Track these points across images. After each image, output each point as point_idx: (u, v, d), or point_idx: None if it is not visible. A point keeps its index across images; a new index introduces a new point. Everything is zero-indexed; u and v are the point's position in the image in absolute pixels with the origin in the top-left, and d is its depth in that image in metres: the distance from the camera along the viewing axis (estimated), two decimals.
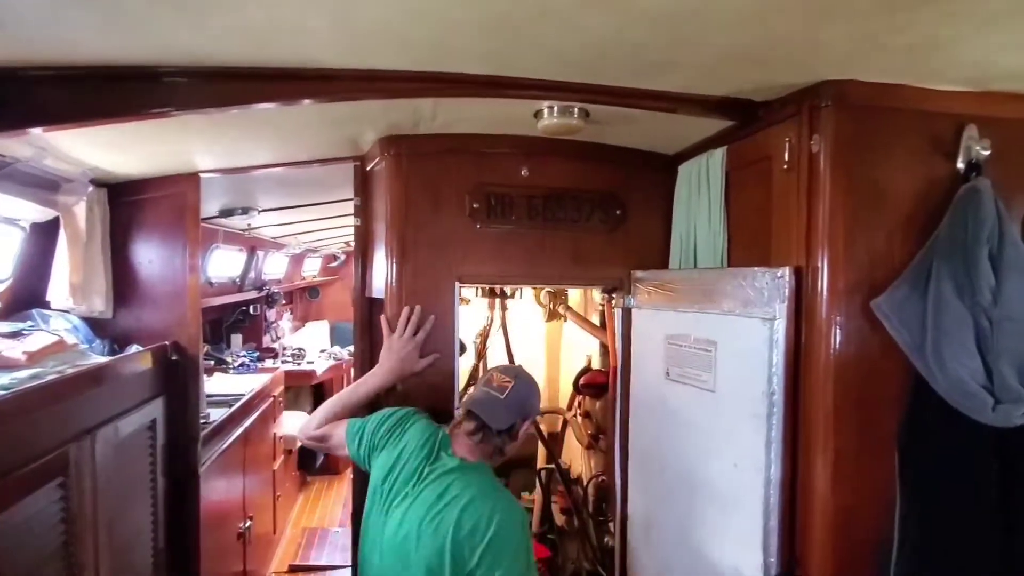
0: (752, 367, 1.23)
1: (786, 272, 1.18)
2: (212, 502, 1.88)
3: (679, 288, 1.48)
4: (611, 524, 2.07)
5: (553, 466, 2.19)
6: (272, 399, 2.79)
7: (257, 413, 2.50)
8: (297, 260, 4.94)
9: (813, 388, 1.16)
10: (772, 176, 1.29)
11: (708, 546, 1.35)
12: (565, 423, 2.68)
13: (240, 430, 2.23)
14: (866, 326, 1.13)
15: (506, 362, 2.70)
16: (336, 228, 3.59)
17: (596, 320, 2.21)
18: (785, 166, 1.23)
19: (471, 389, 1.82)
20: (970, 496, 1.05)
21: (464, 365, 2.22)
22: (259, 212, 2.53)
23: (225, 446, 2.05)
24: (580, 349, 2.59)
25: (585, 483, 2.15)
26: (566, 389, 2.73)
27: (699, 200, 1.53)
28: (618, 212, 1.67)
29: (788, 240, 1.23)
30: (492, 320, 2.34)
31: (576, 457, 2.59)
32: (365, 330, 1.76)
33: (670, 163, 1.67)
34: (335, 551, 3.02)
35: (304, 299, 6.13)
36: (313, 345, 4.71)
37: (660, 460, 1.53)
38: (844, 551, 1.15)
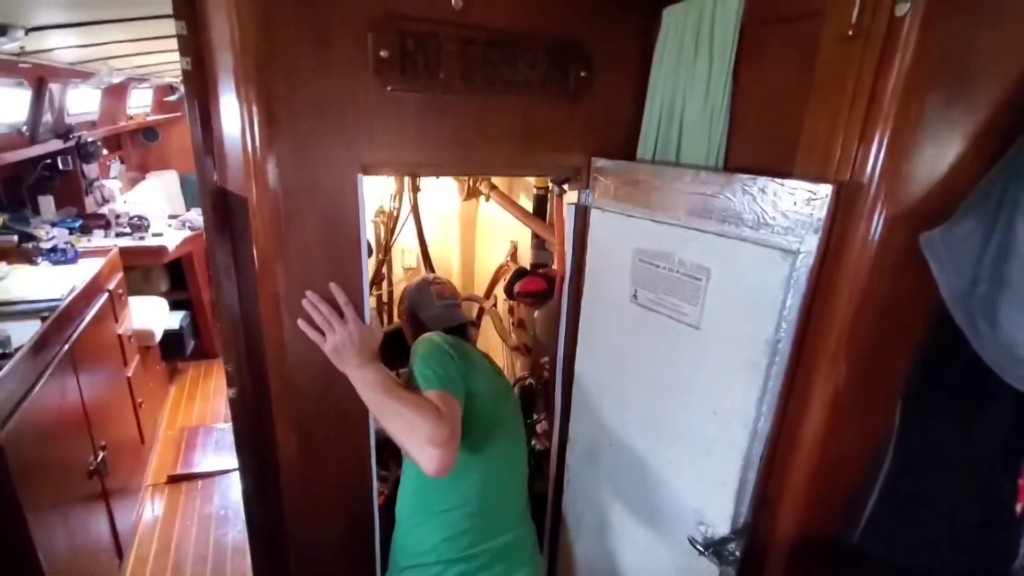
0: (758, 308, 0.98)
1: (826, 192, 0.87)
2: (36, 458, 1.42)
3: (659, 189, 1.14)
4: (537, 427, 1.95)
5: None
6: (108, 295, 2.15)
7: (87, 320, 1.90)
8: (116, 93, 3.73)
9: (825, 336, 0.95)
10: (821, 43, 0.92)
11: (669, 486, 1.22)
12: (481, 311, 2.43)
13: (62, 350, 1.66)
14: (908, 264, 0.89)
15: (414, 246, 2.29)
16: (165, 53, 2.63)
17: (527, 205, 1.83)
18: (850, 32, 0.86)
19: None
20: (973, 459, 0.96)
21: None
22: (26, 32, 1.65)
23: (41, 382, 1.51)
24: (502, 232, 2.24)
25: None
26: (483, 274, 2.43)
27: (693, 64, 1.13)
28: (583, 74, 1.22)
29: (830, 141, 0.91)
30: (400, 204, 1.88)
31: (495, 352, 2.39)
32: (221, 237, 1.24)
33: (654, 1, 1.20)
34: (222, 451, 2.68)
35: (139, 144, 4.88)
36: (158, 208, 3.80)
37: (619, 394, 1.32)
38: (817, 501, 1.05)
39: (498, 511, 1.24)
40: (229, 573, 2.01)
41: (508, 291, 1.65)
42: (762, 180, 0.95)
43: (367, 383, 1.07)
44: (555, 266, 1.80)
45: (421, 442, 0.98)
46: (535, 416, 1.97)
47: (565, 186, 1.37)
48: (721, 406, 1.07)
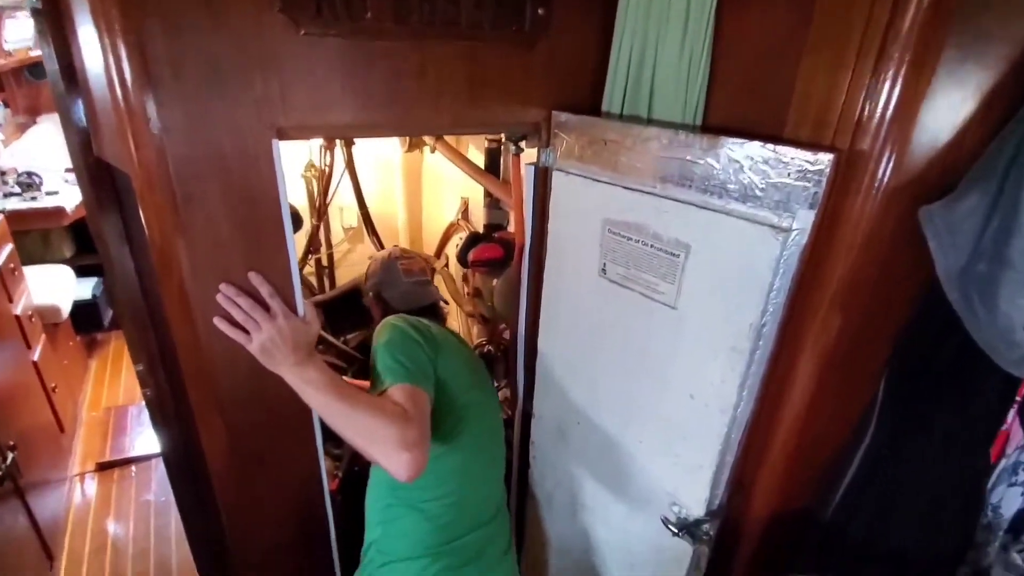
0: (743, 290, 0.89)
1: (826, 161, 0.77)
2: None
3: (630, 151, 1.00)
4: (499, 392, 1.87)
5: None
6: None
7: None
8: None
9: (812, 319, 0.87)
10: None
11: (642, 468, 1.16)
12: (432, 273, 2.27)
13: None
14: (902, 240, 0.81)
15: (354, 204, 2.07)
16: None
17: (478, 160, 1.65)
18: None
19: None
20: (954, 440, 0.93)
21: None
22: None
23: None
24: (451, 186, 2.05)
25: None
26: (432, 232, 2.25)
27: (668, 4, 0.96)
28: (540, 11, 1.03)
29: (829, 101, 0.79)
30: (333, 158, 1.64)
31: (448, 316, 2.26)
32: (108, 217, 1.01)
33: None
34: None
35: (24, 82, 4.18)
36: (53, 161, 3.30)
37: (588, 373, 1.23)
38: (793, 481, 1.03)
39: (479, 498, 1.16)
40: (175, 567, 1.89)
41: (461, 259, 1.50)
42: (752, 145, 0.83)
43: (308, 383, 0.92)
44: (512, 228, 1.65)
45: (388, 448, 0.87)
46: (495, 384, 1.89)
47: (522, 143, 1.21)
48: (699, 390, 1.00)
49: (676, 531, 1.08)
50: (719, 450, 1.00)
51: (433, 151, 1.78)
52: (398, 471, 0.86)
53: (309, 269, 2.01)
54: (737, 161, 0.85)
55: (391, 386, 0.94)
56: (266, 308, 0.92)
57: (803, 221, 0.81)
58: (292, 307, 0.96)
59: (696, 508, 1.07)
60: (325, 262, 2.12)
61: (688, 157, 0.91)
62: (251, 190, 0.88)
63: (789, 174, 0.80)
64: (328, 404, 0.90)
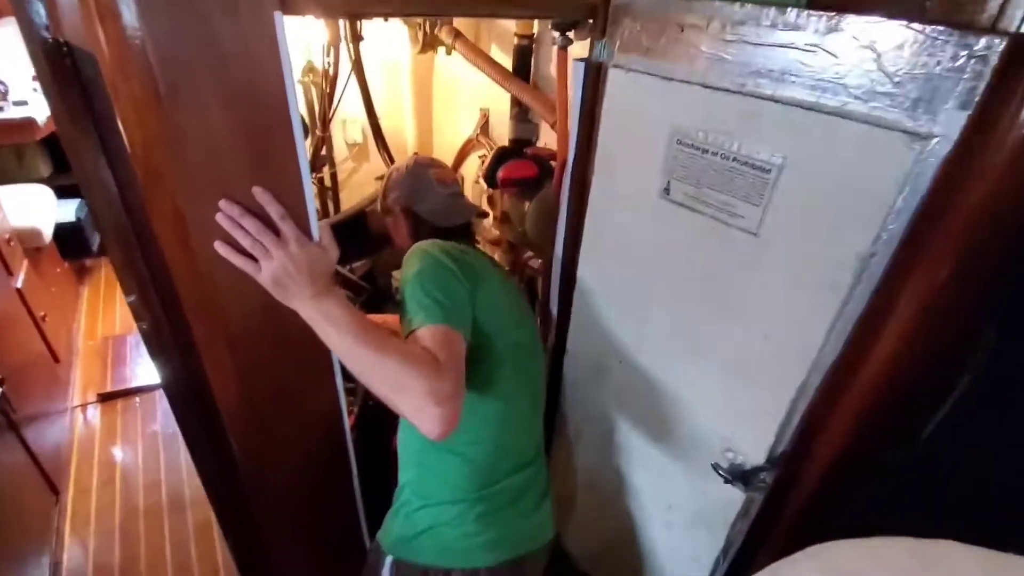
0: (851, 213, 0.74)
1: (994, 47, 0.59)
2: None
3: (716, 39, 0.81)
4: None
5: None
6: None
7: None
8: None
9: (926, 251, 0.73)
10: None
11: (691, 411, 1.07)
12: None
13: None
14: None
15: (357, 115, 1.84)
16: None
17: (504, 60, 1.43)
18: None
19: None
20: None
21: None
22: None
23: None
24: (468, 95, 1.82)
25: None
26: (445, 149, 2.04)
27: None
28: None
29: None
30: (337, 59, 1.41)
31: None
32: (76, 118, 0.82)
33: None
34: None
35: None
36: (20, 69, 2.96)
37: (636, 306, 1.10)
38: (868, 429, 0.93)
39: (519, 442, 1.07)
40: (188, 498, 1.85)
41: (488, 177, 1.32)
42: (890, 25, 0.65)
43: (329, 320, 0.79)
44: (544, 144, 1.46)
45: (417, 402, 0.75)
46: None
47: (571, 34, 1.01)
48: (775, 330, 0.88)
49: (728, 477, 1.00)
50: (791, 398, 0.89)
51: (450, 52, 1.55)
52: (428, 428, 0.75)
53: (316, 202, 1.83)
54: (866, 47, 0.67)
55: (422, 327, 0.82)
56: (276, 232, 0.77)
57: (948, 126, 0.64)
58: (306, 230, 0.81)
59: (755, 455, 0.98)
60: (328, 182, 1.93)
61: (798, 43, 0.73)
62: (252, 81, 0.70)
63: (939, 63, 0.63)
64: (350, 346, 0.78)
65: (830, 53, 0.70)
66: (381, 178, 1.56)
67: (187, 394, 1.04)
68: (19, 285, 1.89)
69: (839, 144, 0.72)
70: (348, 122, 1.93)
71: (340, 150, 1.99)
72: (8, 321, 1.73)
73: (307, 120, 1.73)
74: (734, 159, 0.83)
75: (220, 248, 0.76)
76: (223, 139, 0.71)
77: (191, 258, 0.78)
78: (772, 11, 0.74)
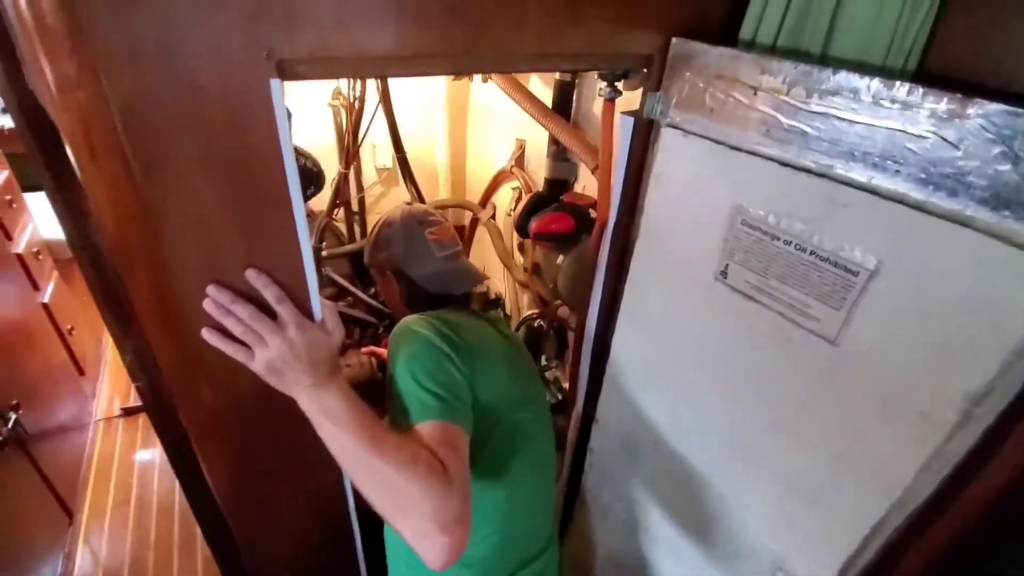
0: (965, 343, 0.59)
1: None
2: None
3: (798, 107, 0.67)
4: (547, 373, 1.64)
5: None
6: None
7: None
8: None
9: None
10: None
11: (735, 516, 0.93)
12: (475, 223, 1.99)
13: None
14: None
15: (387, 145, 1.75)
16: None
17: (543, 95, 1.30)
18: None
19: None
20: None
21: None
22: None
23: None
24: (504, 123, 1.71)
25: (514, 330, 1.62)
26: (478, 178, 1.94)
27: None
28: None
29: None
30: (364, 88, 1.32)
31: (494, 275, 1.99)
32: (57, 176, 0.74)
33: None
34: None
35: None
36: None
37: (674, 391, 0.97)
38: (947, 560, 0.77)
39: (527, 532, 0.96)
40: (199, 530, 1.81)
41: (520, 227, 1.20)
42: None
43: (326, 414, 0.70)
44: (583, 187, 1.33)
45: (420, 525, 0.65)
46: (544, 362, 1.65)
47: (619, 84, 0.88)
48: (850, 454, 0.73)
49: None
50: (865, 535, 0.74)
51: (486, 80, 1.43)
52: (431, 557, 0.64)
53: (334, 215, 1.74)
54: (1001, 140, 0.52)
55: (421, 423, 0.72)
56: (272, 316, 0.68)
57: None
58: (307, 311, 0.71)
59: None
60: (356, 207, 1.85)
61: (905, 126, 0.58)
62: (243, 153, 0.60)
63: None
64: (349, 447, 0.68)
65: (950, 143, 0.56)
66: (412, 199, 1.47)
67: (187, 463, 0.96)
68: (46, 299, 1.88)
69: (954, 256, 0.57)
70: (378, 147, 1.84)
71: (369, 175, 1.91)
72: (31, 337, 1.72)
73: (335, 147, 1.65)
74: (812, 253, 0.69)
75: (208, 336, 0.67)
76: (209, 217, 0.62)
77: (174, 342, 0.69)
78: (875, 82, 0.60)
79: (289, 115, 0.97)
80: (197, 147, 0.58)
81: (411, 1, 0.58)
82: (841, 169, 0.64)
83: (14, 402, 1.47)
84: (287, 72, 0.58)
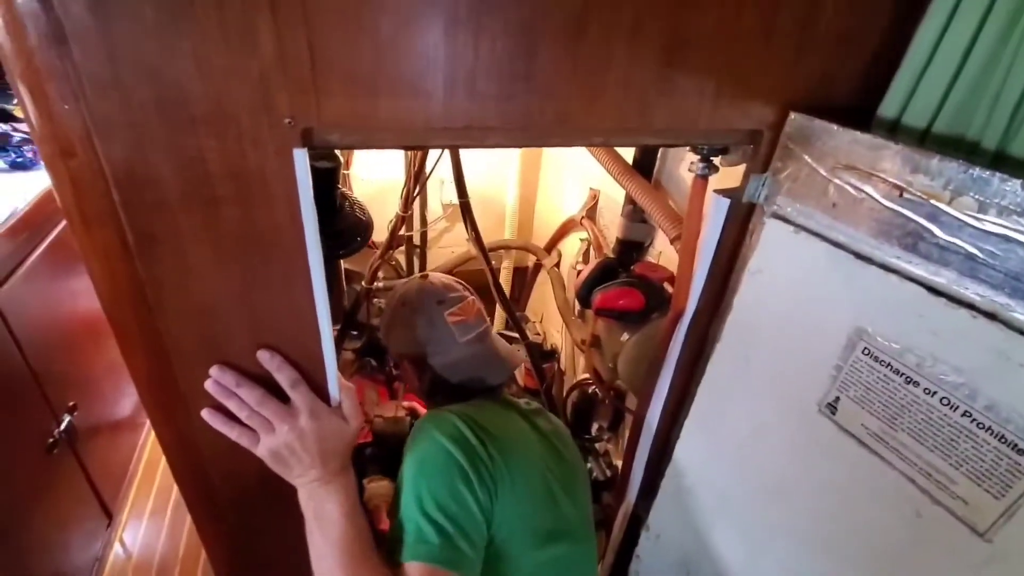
0: None
1: None
2: None
3: (959, 221, 0.50)
4: (598, 444, 1.48)
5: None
6: None
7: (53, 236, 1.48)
8: None
9: None
10: None
11: None
12: (537, 267, 1.88)
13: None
14: None
15: (451, 196, 1.67)
16: None
17: (625, 151, 1.17)
18: None
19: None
20: None
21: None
22: None
23: None
24: (578, 170, 1.59)
25: (565, 394, 1.47)
26: (546, 224, 1.83)
27: None
28: None
29: None
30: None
31: (552, 325, 1.87)
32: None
33: None
34: None
35: None
36: None
37: (755, 529, 0.79)
38: None
39: None
40: None
41: (582, 297, 1.07)
42: None
43: (320, 519, 0.63)
44: (659, 253, 1.18)
45: None
46: (593, 432, 1.49)
47: (717, 160, 0.73)
48: None
49: None
50: None
51: None
52: None
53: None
54: None
55: (410, 562, 0.61)
56: (281, 395, 0.60)
57: None
58: (323, 395, 0.62)
59: None
60: (417, 240, 1.79)
61: None
62: (258, 226, 0.52)
63: None
64: (324, 565, 0.61)
65: (941, 192, 0.37)
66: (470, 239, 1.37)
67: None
68: None
69: None
70: (445, 182, 1.78)
71: (435, 210, 1.85)
72: (98, 333, 1.75)
73: (401, 185, 1.59)
74: (967, 415, 0.51)
75: (209, 418, 0.60)
76: (216, 294, 0.54)
77: (175, 428, 0.62)
78: None
79: (337, 164, 0.89)
80: (203, 221, 0.50)
81: (463, 66, 0.48)
82: (1020, 313, 0.47)
83: (71, 403, 1.50)
84: (312, 139, 0.49)
